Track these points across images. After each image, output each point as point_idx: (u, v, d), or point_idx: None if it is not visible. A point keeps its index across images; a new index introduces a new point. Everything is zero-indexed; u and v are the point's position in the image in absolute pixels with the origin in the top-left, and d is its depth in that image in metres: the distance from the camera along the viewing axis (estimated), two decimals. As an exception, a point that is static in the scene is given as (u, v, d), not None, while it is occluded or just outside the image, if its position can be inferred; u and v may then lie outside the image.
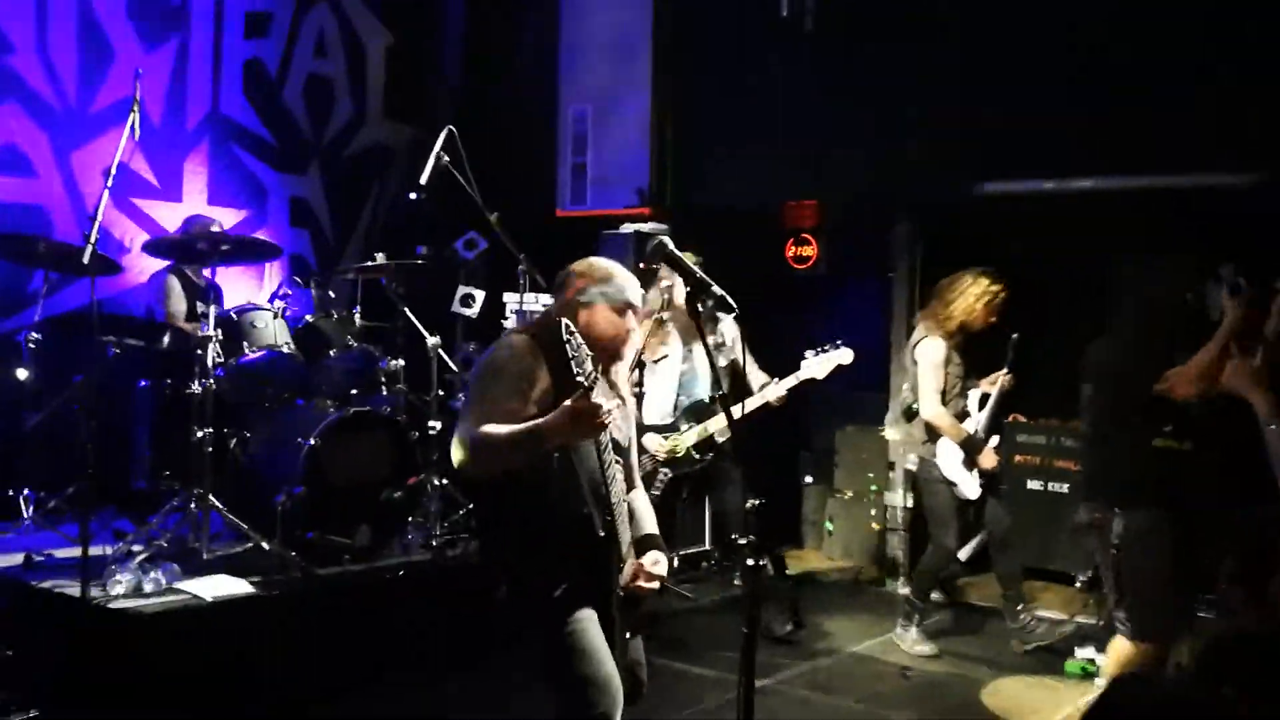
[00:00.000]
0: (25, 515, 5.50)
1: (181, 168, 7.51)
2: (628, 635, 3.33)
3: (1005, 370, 5.87)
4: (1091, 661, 5.45)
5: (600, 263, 3.45)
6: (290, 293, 6.35)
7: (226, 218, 7.62)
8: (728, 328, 5.86)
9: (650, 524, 3.48)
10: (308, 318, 6.23)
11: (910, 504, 7.29)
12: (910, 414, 5.83)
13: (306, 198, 8.33)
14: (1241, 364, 3.69)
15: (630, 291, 3.35)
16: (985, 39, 6.82)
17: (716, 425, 5.70)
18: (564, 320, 3.05)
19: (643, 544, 3.41)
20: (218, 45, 7.72)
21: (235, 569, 4.95)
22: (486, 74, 9.12)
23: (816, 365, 5.64)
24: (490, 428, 3.10)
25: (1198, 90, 6.12)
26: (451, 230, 7.96)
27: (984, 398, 5.87)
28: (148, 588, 4.59)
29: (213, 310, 5.34)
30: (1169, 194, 6.37)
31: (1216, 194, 6.27)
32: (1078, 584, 6.39)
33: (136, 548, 4.98)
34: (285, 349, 5.78)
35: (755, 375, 5.78)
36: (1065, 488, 6.77)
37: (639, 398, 5.86)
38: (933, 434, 5.75)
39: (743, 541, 3.00)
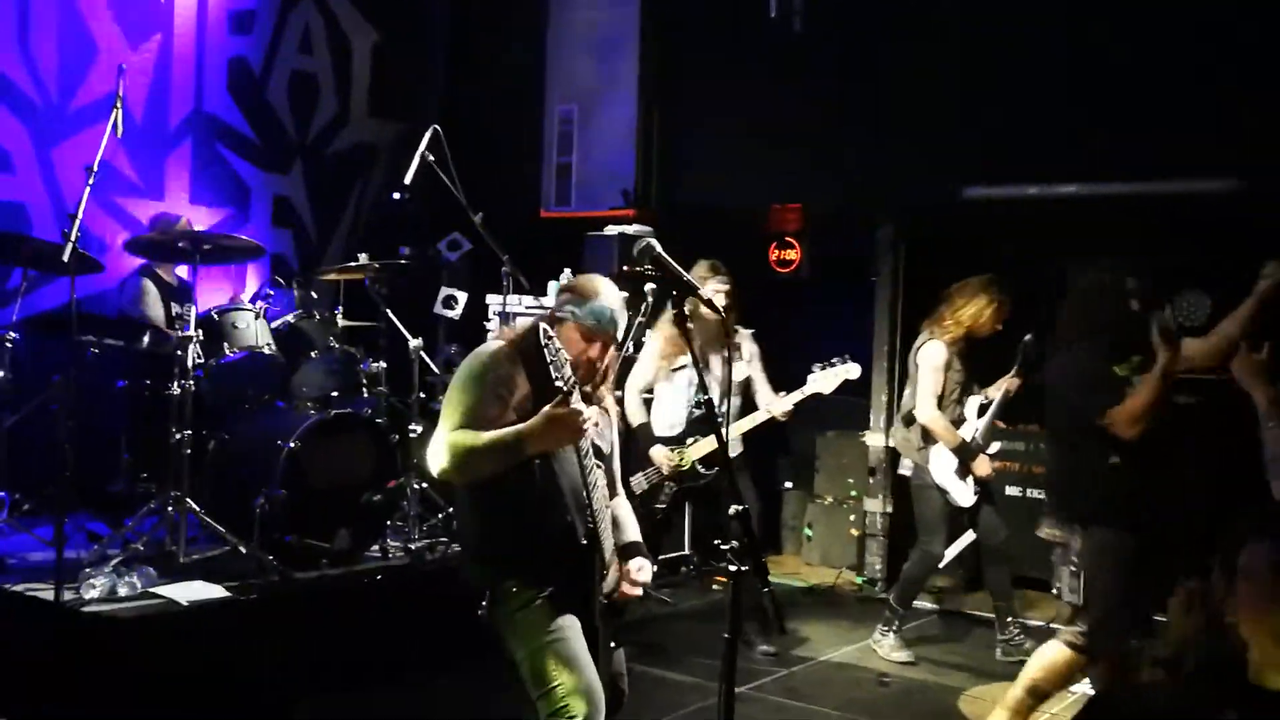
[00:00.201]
0: (-1, 517, 5.46)
1: (164, 166, 7.46)
2: (611, 645, 3.33)
3: (1013, 372, 5.84)
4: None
5: (592, 283, 3.38)
6: (272, 293, 6.31)
7: (209, 216, 7.61)
8: (747, 344, 5.86)
9: (633, 531, 3.48)
10: (289, 318, 6.20)
11: (889, 509, 7.31)
12: (910, 419, 5.82)
13: (289, 196, 8.29)
14: (1248, 356, 3.69)
15: (605, 319, 3.28)
16: (972, 44, 6.85)
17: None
18: (542, 325, 3.06)
19: (626, 551, 3.41)
20: (201, 42, 7.68)
21: (212, 572, 4.93)
22: (472, 73, 9.10)
23: (823, 380, 5.63)
24: (469, 435, 3.09)
25: (1183, 97, 6.15)
26: (435, 230, 7.95)
27: (983, 406, 5.84)
28: (123, 591, 4.56)
29: (193, 311, 5.31)
30: (1153, 200, 6.40)
31: (1200, 200, 6.30)
32: (1054, 591, 6.40)
33: (112, 551, 4.96)
34: (266, 350, 5.75)
35: (764, 394, 5.77)
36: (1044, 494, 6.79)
37: (648, 404, 5.85)
38: (928, 439, 5.75)
39: (725, 547, 3.02)
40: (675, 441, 5.71)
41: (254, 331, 5.76)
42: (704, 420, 5.66)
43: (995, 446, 5.92)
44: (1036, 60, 6.62)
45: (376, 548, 5.67)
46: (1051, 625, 6.07)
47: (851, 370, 5.69)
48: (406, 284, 6.91)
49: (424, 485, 6.05)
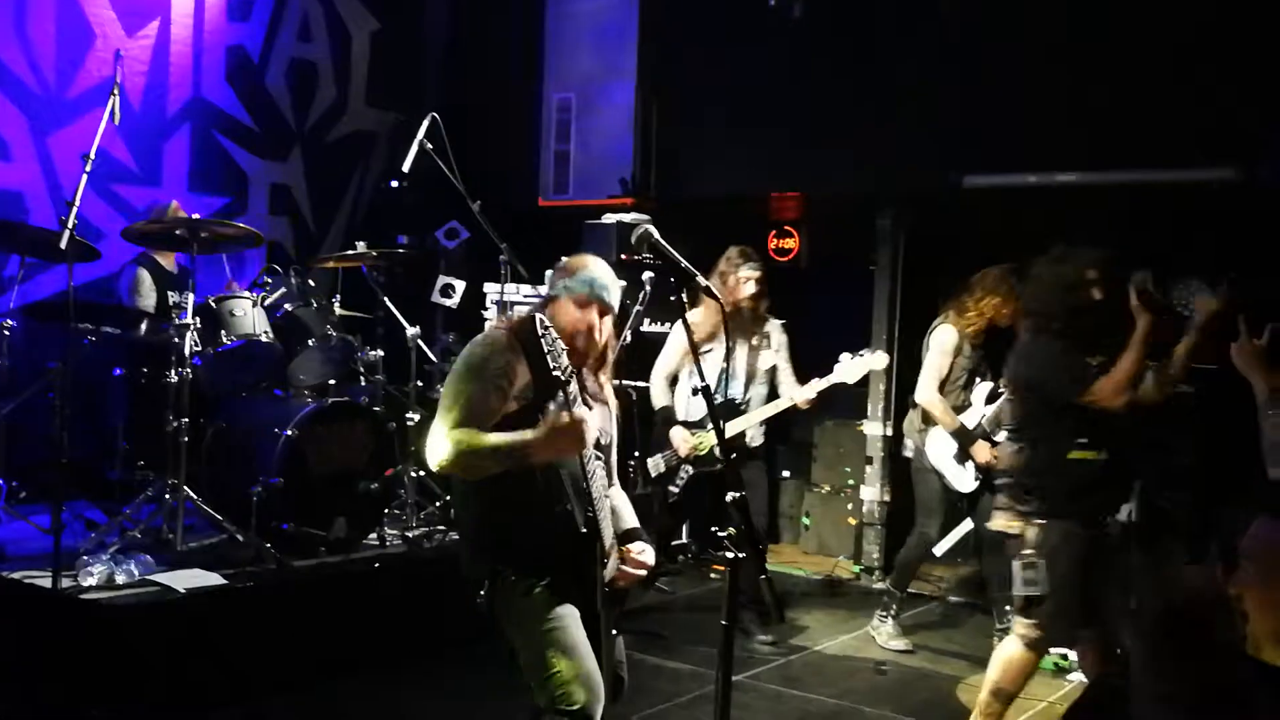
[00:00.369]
0: (-3, 504, 5.45)
1: (162, 152, 7.45)
2: (612, 633, 3.32)
3: None
4: (1064, 657, 5.48)
5: (578, 258, 3.41)
6: (269, 281, 6.29)
7: (206, 204, 7.59)
8: (776, 334, 5.85)
9: (631, 518, 3.48)
10: (287, 306, 6.17)
11: (887, 498, 7.31)
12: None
13: (288, 184, 8.28)
14: (1246, 344, 3.67)
15: (596, 285, 3.28)
16: (971, 33, 6.82)
17: (744, 425, 5.66)
18: (539, 315, 3.05)
19: (625, 538, 3.41)
20: (199, 29, 7.66)
21: (210, 560, 4.92)
22: (471, 61, 9.07)
23: (849, 369, 5.61)
24: (472, 435, 3.08)
25: (1182, 86, 6.13)
26: (433, 219, 7.94)
27: (994, 393, 5.83)
28: (120, 579, 4.55)
29: (190, 298, 5.30)
30: (1153, 189, 6.39)
31: (1200, 189, 6.29)
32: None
33: (109, 539, 4.95)
34: (264, 338, 5.72)
35: (788, 384, 5.76)
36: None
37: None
38: (929, 421, 5.75)
39: (722, 535, 3.02)
40: (696, 426, 5.70)
41: (251, 319, 5.72)
42: (728, 408, 5.66)
43: (1001, 435, 5.90)
44: (1037, 48, 6.60)
45: (374, 536, 5.67)
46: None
47: (878, 360, 5.68)
48: (404, 272, 6.90)
49: (421, 473, 6.05)
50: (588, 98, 8.48)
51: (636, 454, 6.58)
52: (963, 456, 5.69)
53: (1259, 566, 2.58)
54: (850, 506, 7.64)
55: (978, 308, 5.67)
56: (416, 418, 6.08)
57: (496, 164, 7.91)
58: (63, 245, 4.74)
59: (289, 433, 5.26)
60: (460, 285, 6.97)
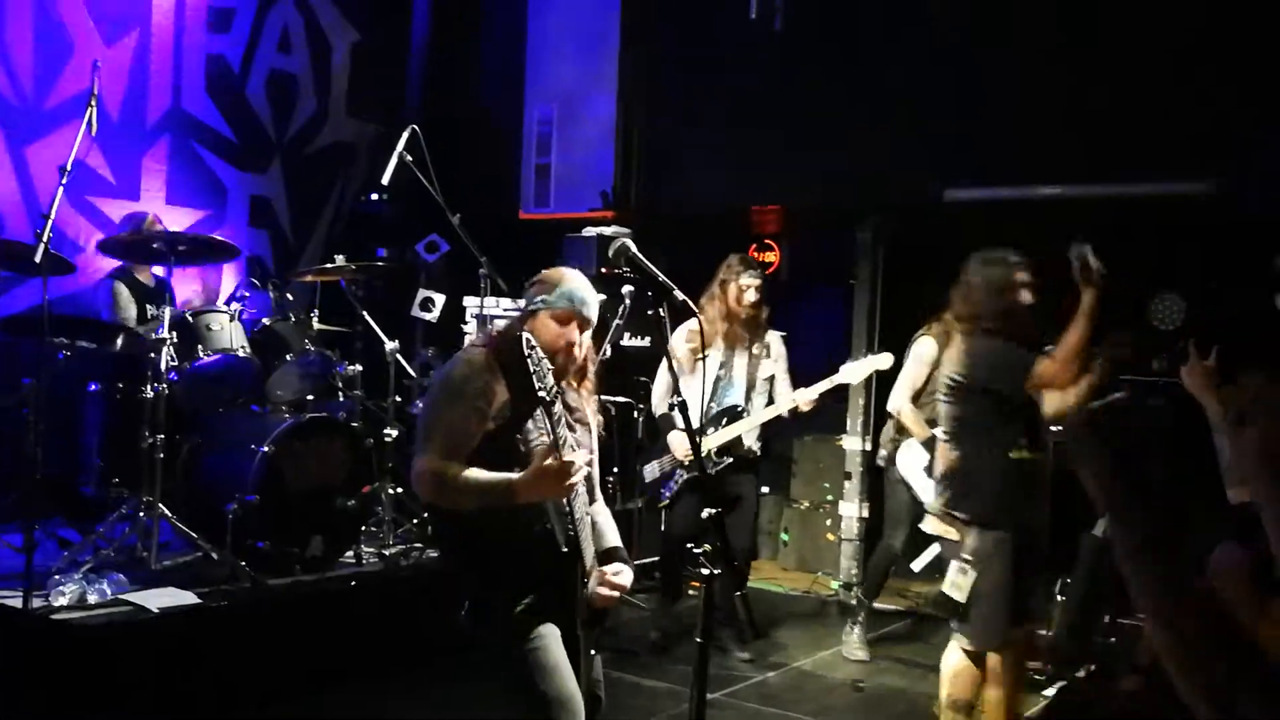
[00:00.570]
0: (-33, 522, 5.40)
1: (140, 165, 7.40)
2: (591, 652, 3.31)
3: None
4: (1039, 671, 5.51)
5: (555, 270, 3.38)
6: (248, 295, 6.26)
7: (185, 216, 7.55)
8: (775, 344, 5.85)
9: (613, 536, 3.46)
10: (265, 320, 6.15)
11: (865, 514, 7.31)
12: None
13: (267, 196, 8.24)
14: (1196, 365, 3.68)
15: (576, 298, 3.25)
16: (953, 46, 6.84)
17: (740, 429, 5.66)
18: (525, 334, 3.03)
19: (606, 557, 3.39)
20: (179, 40, 7.62)
21: (184, 579, 4.89)
22: (451, 73, 9.06)
23: (853, 370, 5.61)
24: (458, 470, 3.06)
25: (1165, 101, 6.16)
26: (413, 232, 7.91)
27: None
28: (93, 599, 4.52)
29: (167, 312, 5.26)
30: (1131, 202, 6.42)
31: (1178, 203, 6.32)
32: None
33: (82, 557, 4.91)
34: (241, 353, 5.69)
35: (785, 394, 5.75)
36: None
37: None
38: (904, 432, 5.76)
39: (698, 551, 3.01)
40: (696, 433, 5.69)
41: (229, 334, 5.70)
42: (727, 415, 5.67)
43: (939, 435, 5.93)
44: (1020, 62, 6.62)
45: (351, 554, 5.64)
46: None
47: (882, 360, 5.68)
48: (384, 286, 6.87)
49: (399, 490, 6.02)
50: (569, 110, 8.48)
51: (616, 469, 6.58)
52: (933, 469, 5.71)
53: (1223, 592, 2.59)
54: (829, 522, 7.64)
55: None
56: (395, 433, 6.05)
57: (477, 176, 7.89)
58: (37, 259, 4.70)
59: (266, 449, 5.23)
60: (440, 299, 6.94)
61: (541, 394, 2.95)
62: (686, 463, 5.65)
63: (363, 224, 8.47)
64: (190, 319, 5.63)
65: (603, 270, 6.77)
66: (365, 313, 6.35)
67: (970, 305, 4.23)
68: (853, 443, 7.39)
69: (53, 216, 4.76)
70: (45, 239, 4.71)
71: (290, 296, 6.49)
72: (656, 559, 6.34)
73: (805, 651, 6.06)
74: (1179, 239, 6.51)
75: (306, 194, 8.47)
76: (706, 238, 7.67)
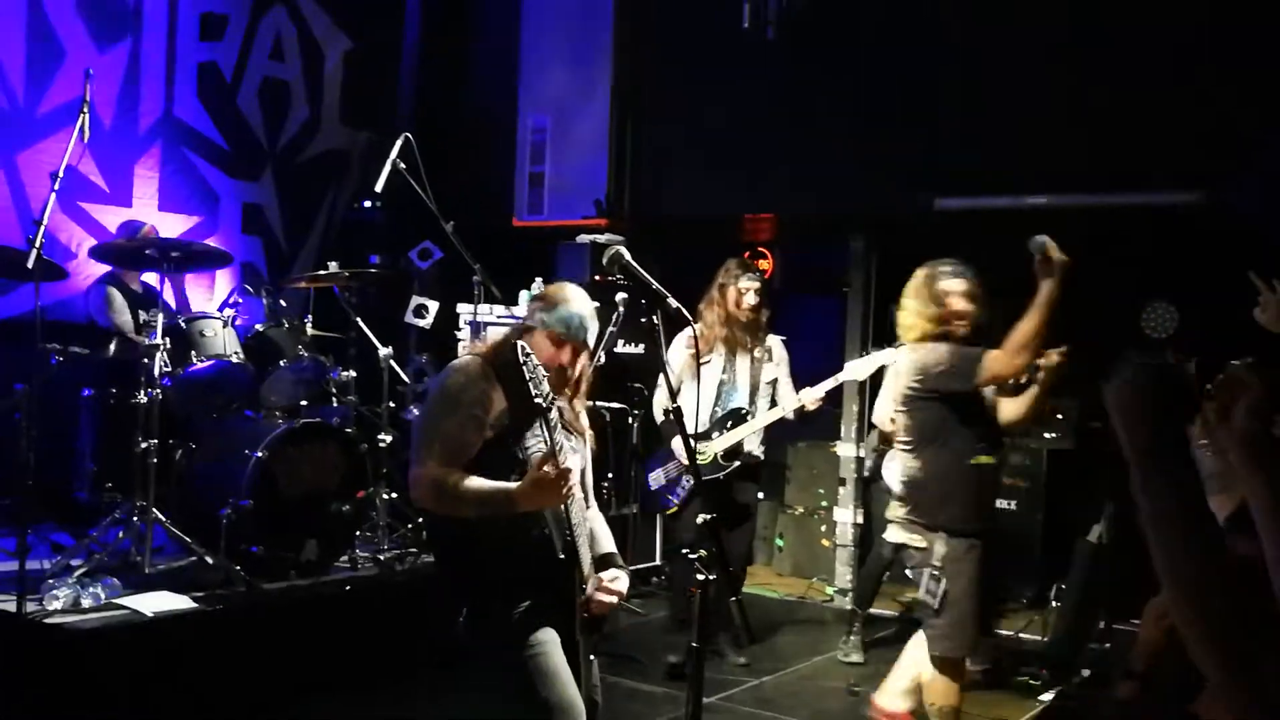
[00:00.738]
0: (-39, 527, 5.37)
1: (132, 172, 7.39)
2: (590, 658, 3.30)
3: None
4: (1034, 677, 5.52)
5: (561, 290, 3.37)
6: (241, 301, 6.25)
7: (177, 223, 7.54)
8: (777, 348, 5.85)
9: (608, 543, 3.46)
10: (258, 327, 6.14)
11: (860, 520, 7.32)
12: None
13: (260, 204, 8.23)
14: (1271, 298, 3.73)
15: (573, 326, 3.26)
16: (945, 56, 6.87)
17: (745, 432, 5.66)
18: (520, 343, 3.04)
19: (602, 563, 3.39)
20: (171, 47, 7.62)
21: (178, 583, 4.88)
22: (445, 81, 9.07)
23: (858, 366, 5.56)
24: (456, 478, 3.06)
25: (1153, 110, 6.19)
26: (406, 239, 7.91)
27: None
28: (86, 603, 4.49)
29: (160, 318, 5.25)
30: (1122, 212, 6.45)
31: (1169, 213, 6.35)
32: (1023, 600, 6.45)
33: (76, 562, 4.89)
34: (235, 359, 5.68)
35: (789, 396, 5.74)
36: (1013, 504, 6.86)
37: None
38: (888, 442, 5.76)
39: (693, 556, 3.01)
40: (701, 437, 5.69)
41: (222, 340, 5.69)
42: (732, 419, 5.66)
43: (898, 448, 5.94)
44: (1009, 72, 6.64)
45: (345, 558, 5.62)
46: (1019, 635, 6.14)
47: (887, 355, 5.66)
48: (377, 293, 6.87)
49: (393, 495, 6.01)
50: (562, 118, 8.48)
51: (610, 475, 6.58)
52: None
53: None
54: (824, 528, 7.64)
55: None
56: (389, 439, 6.04)
57: (470, 184, 7.90)
58: (30, 265, 4.69)
59: (259, 454, 5.21)
60: (434, 306, 6.94)
61: (538, 400, 2.95)
62: (689, 465, 5.65)
63: (356, 231, 8.46)
64: (183, 325, 5.62)
65: (596, 278, 6.78)
66: (359, 319, 6.34)
67: (909, 315, 4.30)
68: (847, 449, 7.41)
69: (45, 222, 4.75)
70: (38, 245, 4.70)
71: (284, 303, 6.49)
72: (654, 564, 6.34)
73: (800, 656, 6.06)
74: (1168, 249, 6.53)
75: (299, 201, 8.46)
76: (700, 245, 7.68)
